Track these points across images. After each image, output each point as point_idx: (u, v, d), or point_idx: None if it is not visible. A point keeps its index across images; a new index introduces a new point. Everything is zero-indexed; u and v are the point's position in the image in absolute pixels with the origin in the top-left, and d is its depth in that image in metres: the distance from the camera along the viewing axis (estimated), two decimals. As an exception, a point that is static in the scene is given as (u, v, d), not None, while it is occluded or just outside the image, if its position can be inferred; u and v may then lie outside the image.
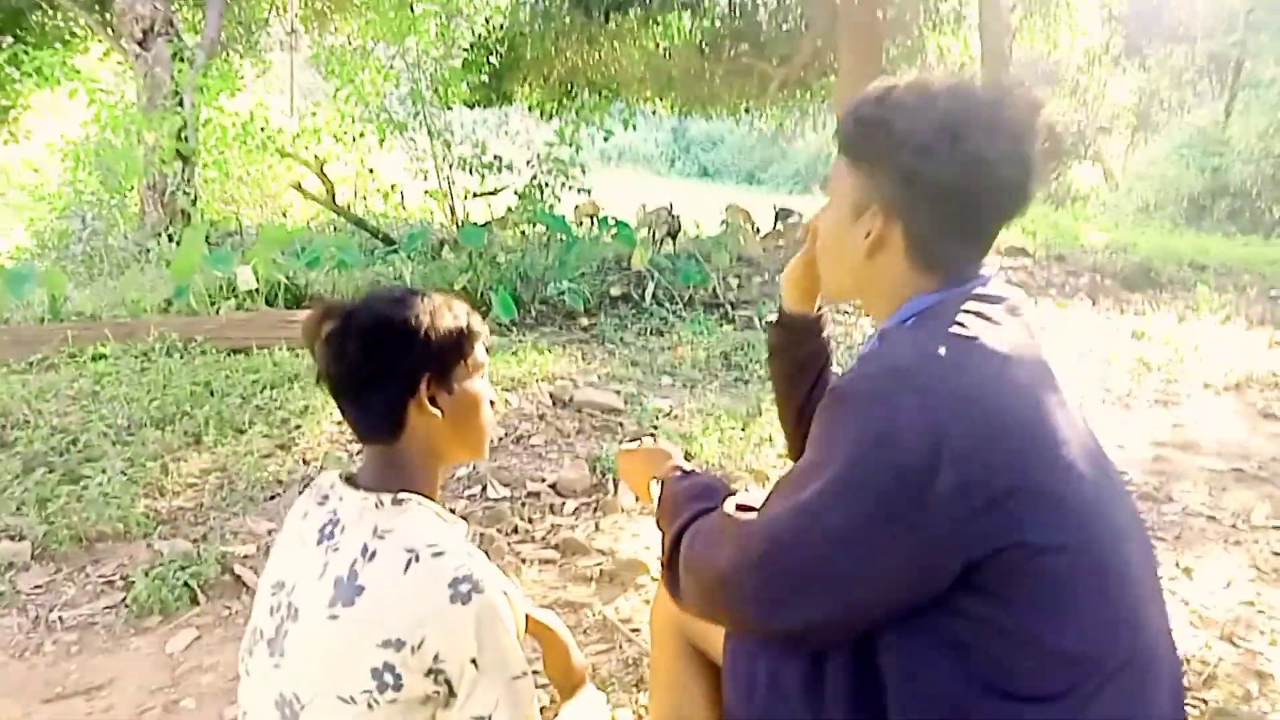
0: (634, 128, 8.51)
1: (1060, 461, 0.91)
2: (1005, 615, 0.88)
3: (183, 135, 7.93)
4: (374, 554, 1.08)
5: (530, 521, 3.04)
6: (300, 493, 1.26)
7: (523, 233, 7.15)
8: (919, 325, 1.01)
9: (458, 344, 1.19)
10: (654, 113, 17.11)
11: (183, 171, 8.18)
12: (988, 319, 0.97)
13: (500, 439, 3.73)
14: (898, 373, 0.92)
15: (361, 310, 1.17)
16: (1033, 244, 10.05)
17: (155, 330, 4.59)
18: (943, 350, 0.93)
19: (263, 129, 8.54)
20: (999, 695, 0.88)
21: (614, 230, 7.19)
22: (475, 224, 7.29)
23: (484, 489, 3.24)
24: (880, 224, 1.03)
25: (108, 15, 9.61)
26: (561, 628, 1.55)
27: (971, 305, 0.99)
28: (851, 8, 10.49)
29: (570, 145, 7.60)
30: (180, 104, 8.17)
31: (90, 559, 2.75)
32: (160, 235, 7.80)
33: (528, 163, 7.97)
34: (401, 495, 1.14)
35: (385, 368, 1.15)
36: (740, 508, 1.06)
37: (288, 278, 5.72)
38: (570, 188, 7.77)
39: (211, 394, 3.94)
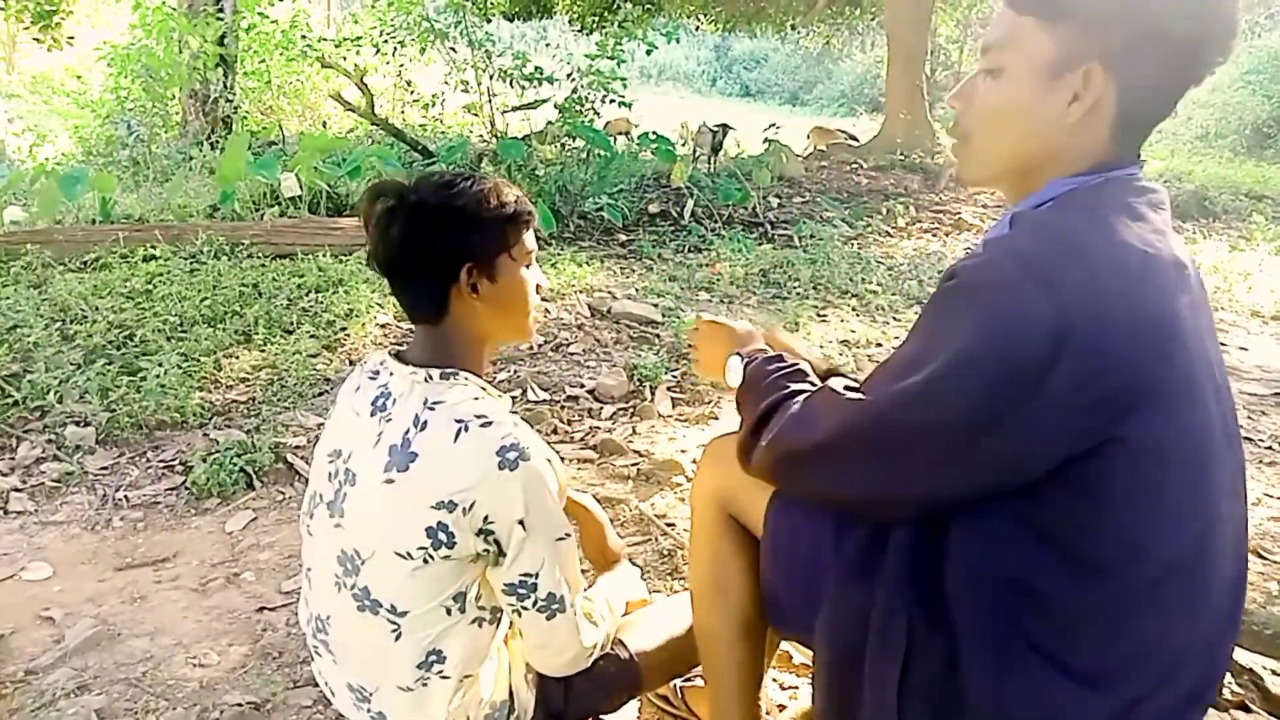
0: (677, 41, 8.30)
1: (1176, 365, 0.88)
2: (1090, 508, 0.89)
3: (224, 41, 7.90)
4: (425, 424, 1.13)
5: (569, 424, 3.12)
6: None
7: (562, 146, 7.09)
8: (1055, 210, 0.96)
9: (502, 232, 1.19)
10: (697, 28, 16.66)
11: (224, 79, 8.18)
12: (1128, 210, 0.92)
13: (540, 346, 3.80)
14: (1024, 261, 0.87)
15: (412, 193, 1.18)
16: (1083, 170, 9.76)
17: (203, 234, 4.68)
18: (1074, 241, 0.89)
19: (303, 37, 8.49)
20: (1065, 577, 0.91)
21: (654, 146, 7.11)
22: (514, 138, 7.24)
23: (524, 392, 3.32)
24: (1098, 86, 0.93)
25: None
26: (598, 509, 1.61)
27: (1114, 193, 0.94)
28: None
29: (612, 59, 7.46)
30: (221, 10, 8.13)
31: (151, 445, 2.88)
32: (203, 143, 7.87)
33: (568, 76, 7.85)
34: (449, 370, 1.18)
35: (427, 254, 1.16)
36: (848, 388, 1.05)
37: (329, 186, 5.77)
38: (611, 101, 7.66)
39: (259, 295, 4.04)
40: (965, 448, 0.89)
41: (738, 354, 1.26)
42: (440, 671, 1.19)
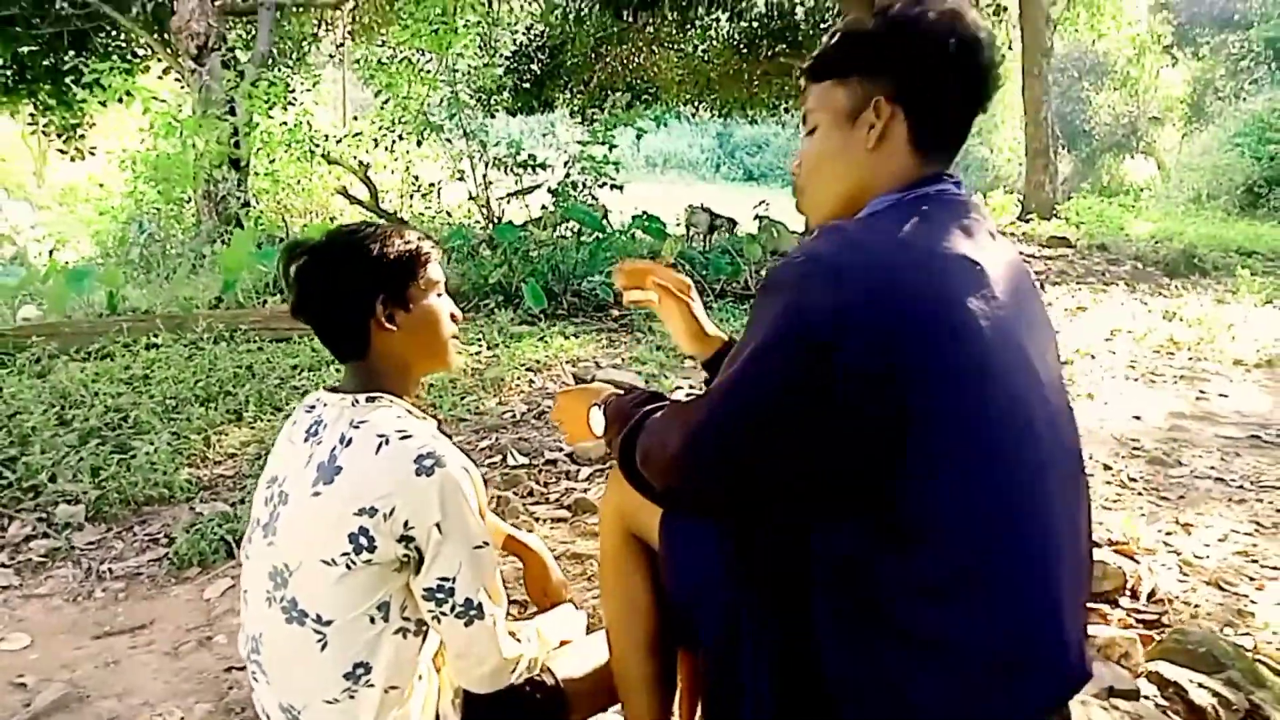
0: (664, 124, 8.62)
1: (964, 346, 0.96)
2: (894, 480, 0.95)
3: (233, 141, 8.27)
4: (350, 440, 1.22)
5: (546, 485, 3.18)
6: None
7: (554, 229, 7.32)
8: (856, 220, 1.08)
9: (408, 265, 1.31)
10: (694, 115, 17.22)
11: (235, 179, 8.54)
12: (922, 217, 1.03)
13: (522, 414, 3.89)
14: (816, 259, 0.99)
15: (321, 244, 1.30)
16: (1076, 234, 9.94)
17: (204, 321, 4.85)
18: (859, 240, 1.00)
19: (310, 136, 8.87)
20: (889, 552, 0.96)
21: (646, 225, 7.33)
22: (510, 223, 7.48)
23: (504, 458, 3.39)
24: (885, 112, 1.08)
25: (165, 34, 10.07)
26: (541, 548, 1.66)
27: (912, 204, 1.05)
28: (889, 4, 10.50)
29: (604, 144, 7.75)
30: (231, 113, 8.54)
31: (138, 520, 2.97)
32: (215, 242, 8.16)
33: (564, 164, 8.15)
34: (374, 395, 1.28)
35: (343, 293, 1.28)
36: (686, 398, 1.16)
37: (330, 274, 5.95)
38: (603, 185, 7.92)
39: (253, 375, 4.17)
40: (783, 430, 0.97)
41: (595, 404, 1.34)
42: (367, 681, 1.23)
